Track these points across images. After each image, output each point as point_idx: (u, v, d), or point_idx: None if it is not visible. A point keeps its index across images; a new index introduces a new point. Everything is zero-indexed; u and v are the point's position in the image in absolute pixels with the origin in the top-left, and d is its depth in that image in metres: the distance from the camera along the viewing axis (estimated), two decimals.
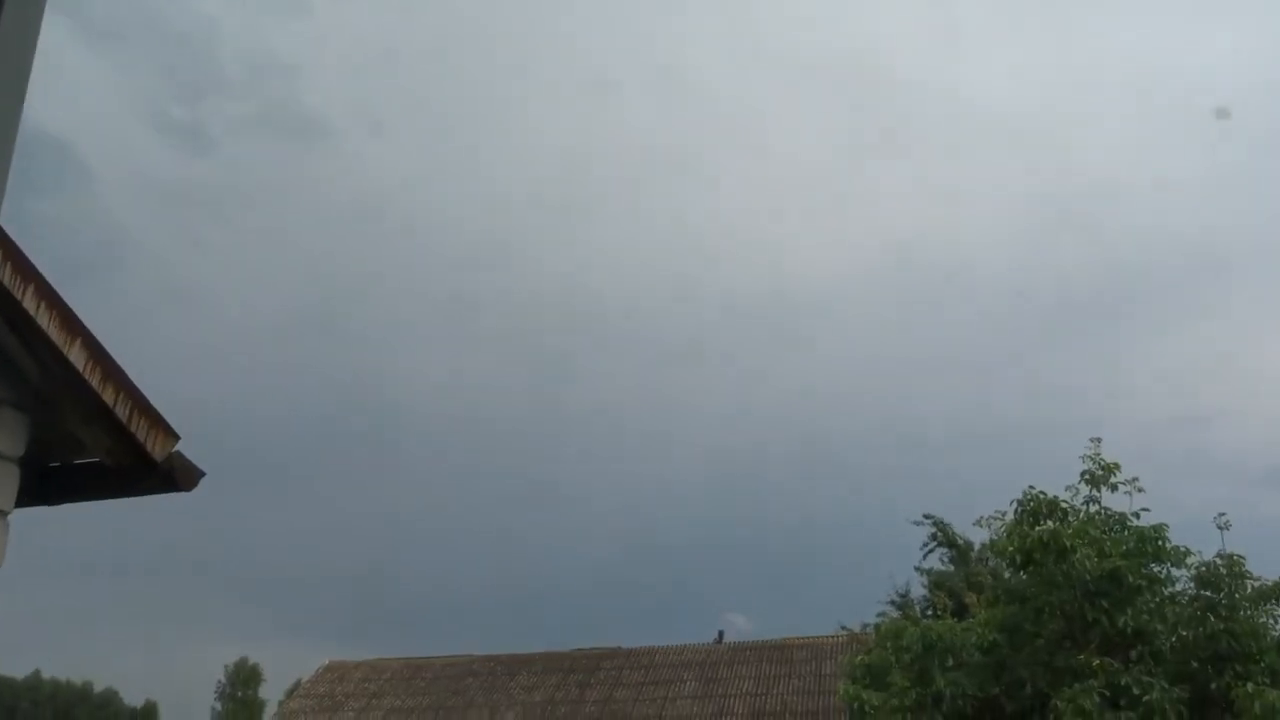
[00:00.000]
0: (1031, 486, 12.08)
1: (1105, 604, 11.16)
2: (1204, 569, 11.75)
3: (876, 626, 15.08)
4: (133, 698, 67.11)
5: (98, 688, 67.10)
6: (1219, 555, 11.67)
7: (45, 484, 4.70)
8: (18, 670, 63.14)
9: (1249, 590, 11.51)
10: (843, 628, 23.73)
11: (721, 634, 25.30)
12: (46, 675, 65.81)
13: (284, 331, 74.80)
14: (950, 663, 11.82)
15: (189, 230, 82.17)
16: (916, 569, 24.27)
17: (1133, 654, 11.02)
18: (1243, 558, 11.66)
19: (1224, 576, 11.56)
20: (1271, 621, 11.41)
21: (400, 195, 77.95)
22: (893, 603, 23.99)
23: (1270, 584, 11.58)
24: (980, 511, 13.05)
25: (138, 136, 78.03)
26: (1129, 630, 10.96)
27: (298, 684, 35.47)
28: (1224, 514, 11.77)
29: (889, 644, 12.59)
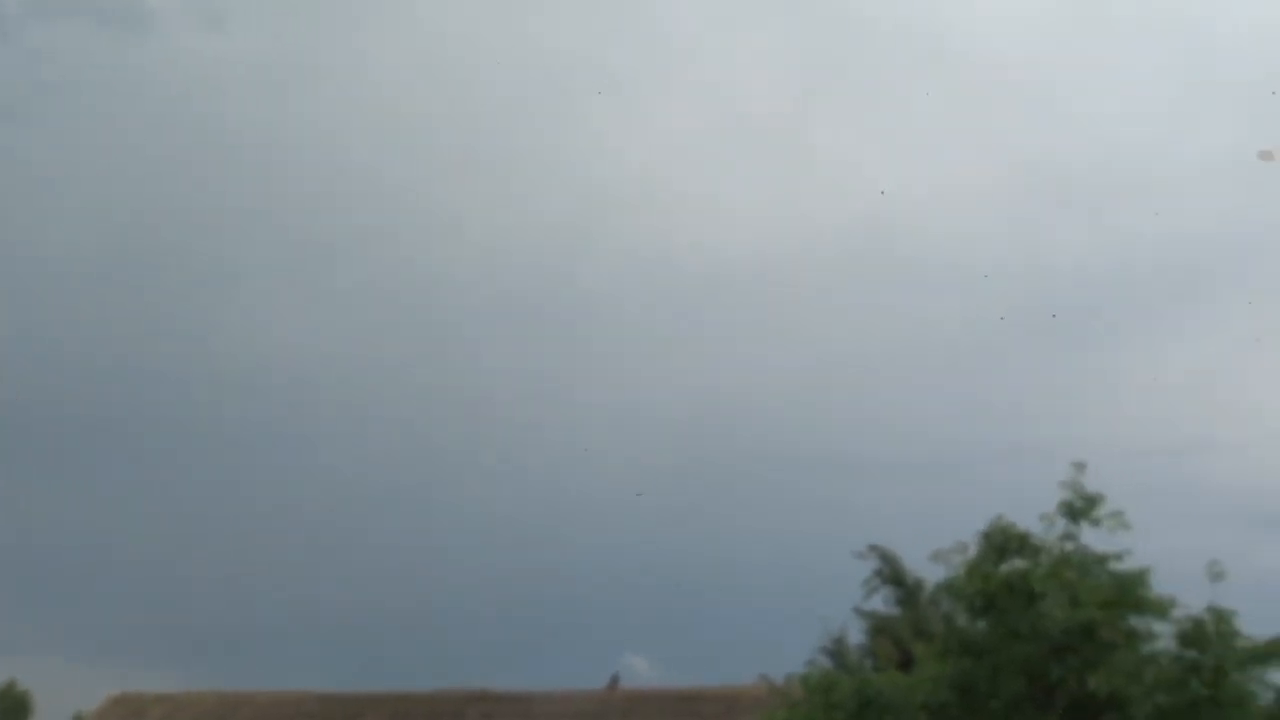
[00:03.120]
0: (1000, 516, 12.32)
1: (1075, 662, 11.42)
2: (1189, 624, 12.04)
3: (804, 677, 15.16)
4: None
5: None
6: (1208, 609, 11.98)
7: None
8: None
9: (1238, 651, 11.87)
10: (763, 677, 23.92)
11: (616, 678, 25.28)
12: None
13: (85, 272, 71.66)
14: None
15: None
16: (856, 611, 24.62)
17: None
18: (1234, 612, 12.01)
19: (1211, 634, 11.89)
20: (1263, 689, 11.77)
21: (247, 108, 75.38)
22: (825, 650, 24.26)
23: (1262, 644, 11.92)
24: (931, 545, 13.25)
25: None
26: (1101, 694, 11.24)
27: (76, 719, 34.65)
28: (1218, 561, 12.09)
29: (818, 699, 12.70)
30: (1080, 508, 12.22)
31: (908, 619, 22.26)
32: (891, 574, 23.88)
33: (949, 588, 12.53)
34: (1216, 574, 11.96)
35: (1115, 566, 12.14)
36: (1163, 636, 12.19)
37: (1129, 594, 11.90)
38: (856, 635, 24.49)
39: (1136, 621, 12.06)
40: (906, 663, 15.98)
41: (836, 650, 24.01)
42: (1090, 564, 12.15)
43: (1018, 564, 11.91)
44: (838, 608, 27.02)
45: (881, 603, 24.34)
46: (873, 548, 24.32)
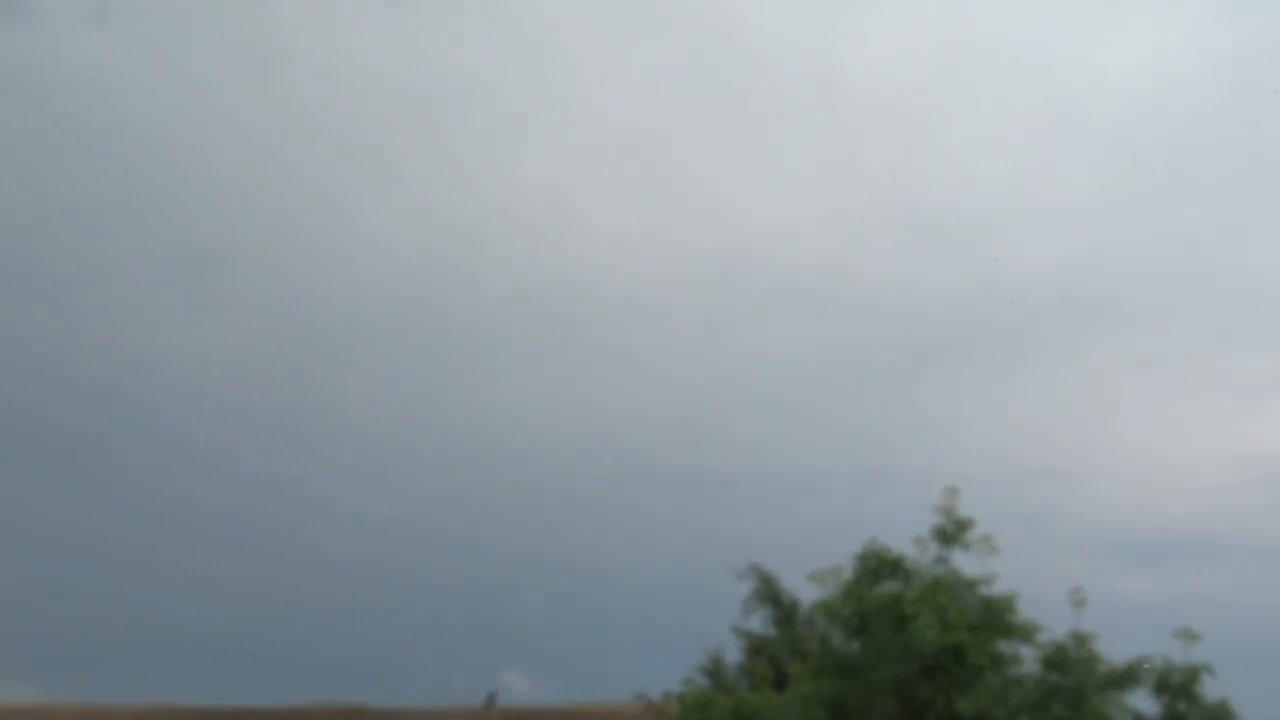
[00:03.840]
0: (873, 539, 12.57)
1: (945, 683, 11.69)
2: (1052, 649, 12.43)
3: (681, 696, 15.29)
4: None
5: None
6: (1070, 634, 12.39)
7: None
8: None
9: (1098, 675, 12.30)
10: (640, 695, 23.92)
11: (493, 696, 25.09)
12: None
13: None
14: None
15: None
16: (733, 630, 24.77)
17: None
18: (1095, 636, 12.43)
19: (1072, 659, 12.29)
20: (1120, 713, 12.19)
21: (127, 109, 73.04)
22: (703, 669, 24.36)
23: (1120, 669, 12.38)
24: (809, 566, 13.45)
25: None
26: (967, 715, 11.52)
27: None
28: (1080, 588, 12.53)
29: (695, 717, 12.80)
30: (952, 532, 12.53)
31: (784, 638, 22.44)
32: (769, 594, 24.05)
33: (824, 609, 12.74)
34: (1078, 600, 12.42)
35: (984, 591, 12.48)
36: (1027, 660, 12.58)
37: (997, 618, 12.24)
38: (734, 654, 24.64)
39: (1003, 645, 12.39)
40: (782, 682, 16.14)
41: (713, 669, 24.09)
42: (961, 588, 12.47)
43: (891, 586, 12.15)
44: (716, 627, 27.21)
45: (759, 622, 24.52)
46: (752, 567, 24.49)
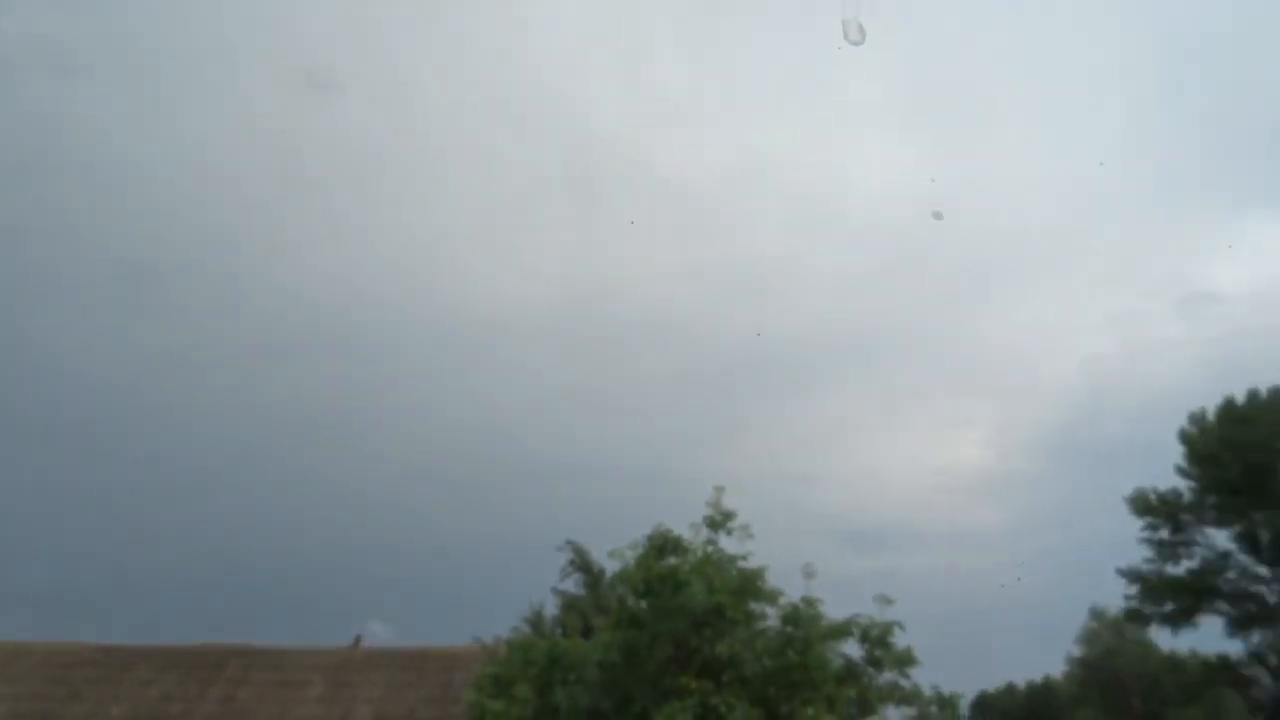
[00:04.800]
0: (661, 524, 13.00)
1: (708, 634, 12.20)
2: (789, 609, 13.10)
3: (509, 641, 15.38)
4: None
5: None
6: (802, 598, 13.08)
7: None
8: None
9: (821, 629, 12.99)
10: (477, 640, 23.90)
11: (359, 638, 24.59)
12: None
13: None
14: (572, 678, 12.36)
15: None
16: (553, 590, 25.03)
17: (725, 678, 12.09)
18: (820, 601, 13.15)
19: (803, 616, 12.96)
20: (835, 657, 12.90)
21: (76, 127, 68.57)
22: (527, 620, 24.52)
23: (837, 624, 13.11)
24: (618, 542, 13.81)
25: None
26: (724, 658, 12.04)
27: None
28: (811, 563, 13.27)
29: (518, 656, 12.93)
30: (719, 520, 13.03)
31: (591, 599, 22.81)
32: (582, 563, 24.41)
33: (621, 576, 13.03)
34: (809, 574, 13.11)
35: (742, 565, 13.00)
36: (771, 617, 13.15)
37: (750, 585, 12.79)
38: (552, 610, 24.90)
39: (754, 606, 12.94)
40: (589, 632, 16.45)
41: (535, 620, 24.29)
42: (724, 563, 12.95)
43: (672, 560, 12.56)
44: (539, 587, 27.46)
45: (573, 585, 24.84)
46: (569, 542, 24.85)
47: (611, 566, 14.01)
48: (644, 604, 12.77)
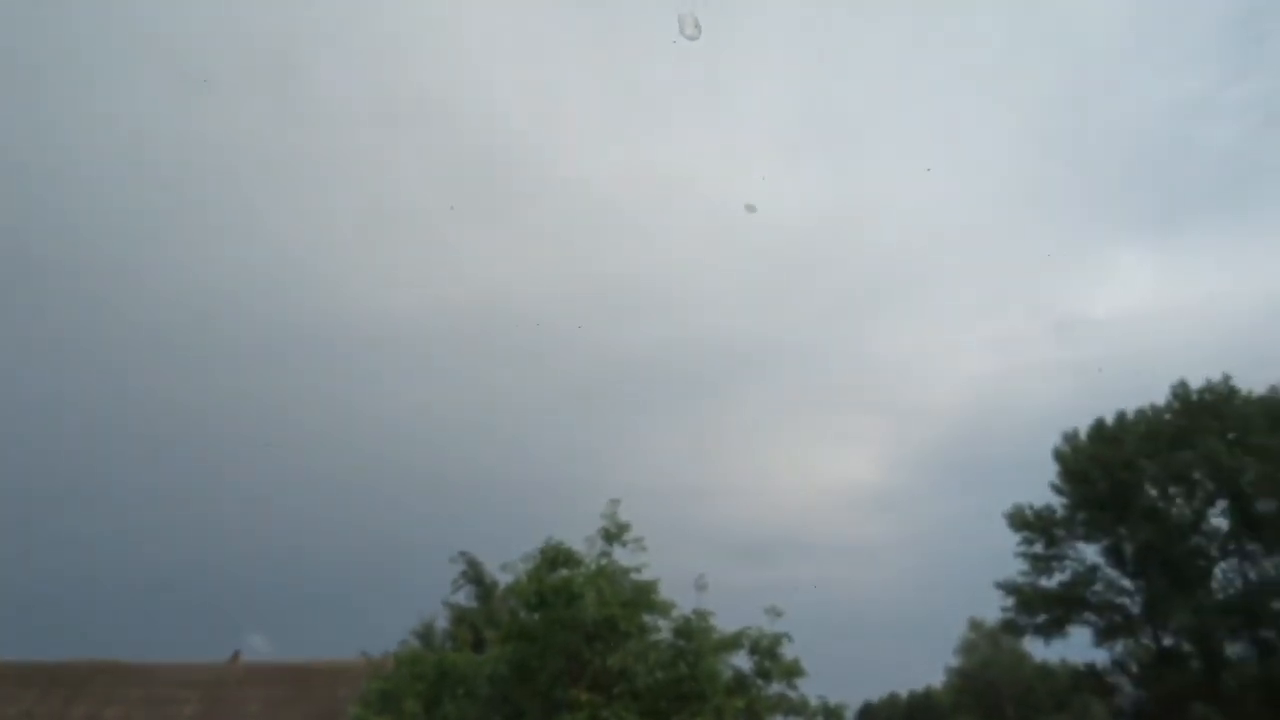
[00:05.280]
0: (551, 537, 12.90)
1: (600, 646, 12.15)
2: (681, 621, 13.15)
3: (396, 654, 15.02)
4: None
5: None
6: (694, 611, 13.15)
7: None
8: None
9: (712, 641, 13.08)
10: (363, 654, 23.28)
11: (238, 653, 23.66)
12: None
13: None
14: (461, 692, 12.14)
15: None
16: (444, 603, 24.59)
17: (616, 690, 12.05)
18: (712, 613, 13.24)
19: (695, 629, 13.03)
20: (725, 668, 13.01)
21: None
22: (416, 634, 24.03)
23: (728, 637, 13.23)
24: (513, 554, 13.64)
25: None
26: (616, 670, 12.01)
27: None
28: (703, 575, 13.35)
29: (405, 671, 12.64)
30: (614, 533, 13.00)
31: (483, 611, 22.49)
32: (474, 575, 24.06)
33: (514, 589, 12.88)
34: (701, 586, 13.18)
35: (635, 577, 13.00)
36: (664, 629, 13.16)
37: (643, 598, 12.80)
38: (443, 623, 24.45)
39: (647, 618, 12.94)
40: (480, 645, 16.18)
41: (425, 634, 23.82)
42: (618, 575, 12.93)
43: (565, 572, 12.46)
44: (430, 600, 26.94)
45: (465, 597, 24.46)
46: (462, 554, 24.44)
47: (504, 579, 13.85)
48: (536, 617, 12.65)
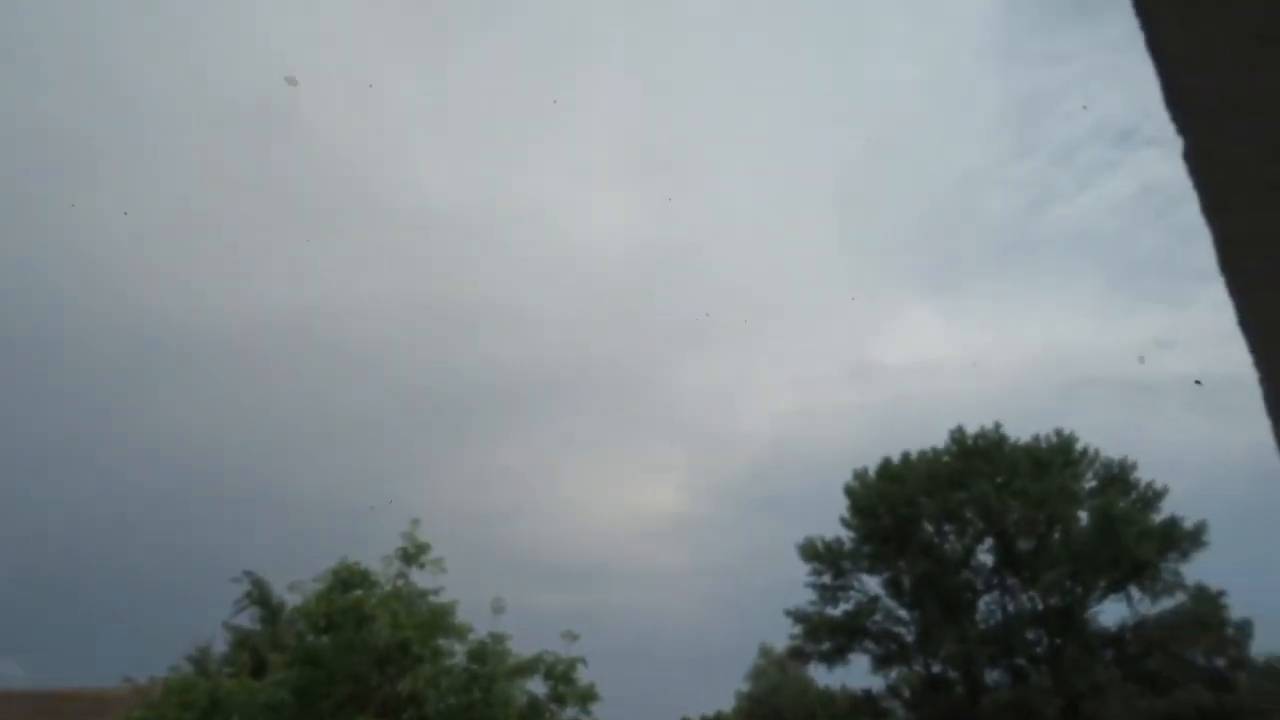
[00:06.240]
0: (346, 557, 12.40)
1: (392, 671, 11.74)
2: (476, 645, 12.90)
3: (166, 680, 13.95)
4: None
5: None
6: (490, 634, 12.93)
7: None
8: None
9: (507, 666, 12.89)
10: (128, 680, 21.48)
11: None
12: None
13: None
14: None
15: None
16: (225, 625, 23.08)
17: (405, 717, 11.67)
18: (508, 637, 13.06)
19: (490, 653, 12.80)
20: (519, 694, 12.83)
21: None
22: (191, 658, 22.42)
23: (524, 661, 13.07)
24: (302, 575, 12.99)
25: None
26: (405, 695, 11.63)
27: None
28: (500, 598, 13.16)
29: (174, 699, 11.76)
30: (413, 553, 12.65)
31: (268, 634, 21.23)
32: (260, 596, 22.71)
33: (302, 611, 12.29)
34: (498, 608, 12.98)
35: (433, 600, 12.68)
36: (460, 653, 12.87)
37: (440, 620, 12.48)
38: (222, 646, 22.95)
39: (443, 642, 12.62)
40: (261, 670, 15.26)
41: (201, 658, 22.27)
42: (415, 597, 12.58)
43: (358, 594, 11.99)
44: (211, 622, 25.25)
45: (248, 619, 23.05)
46: (247, 573, 23.05)
47: (293, 600, 13.19)
48: (325, 640, 12.11)
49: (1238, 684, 41.51)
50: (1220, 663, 42.47)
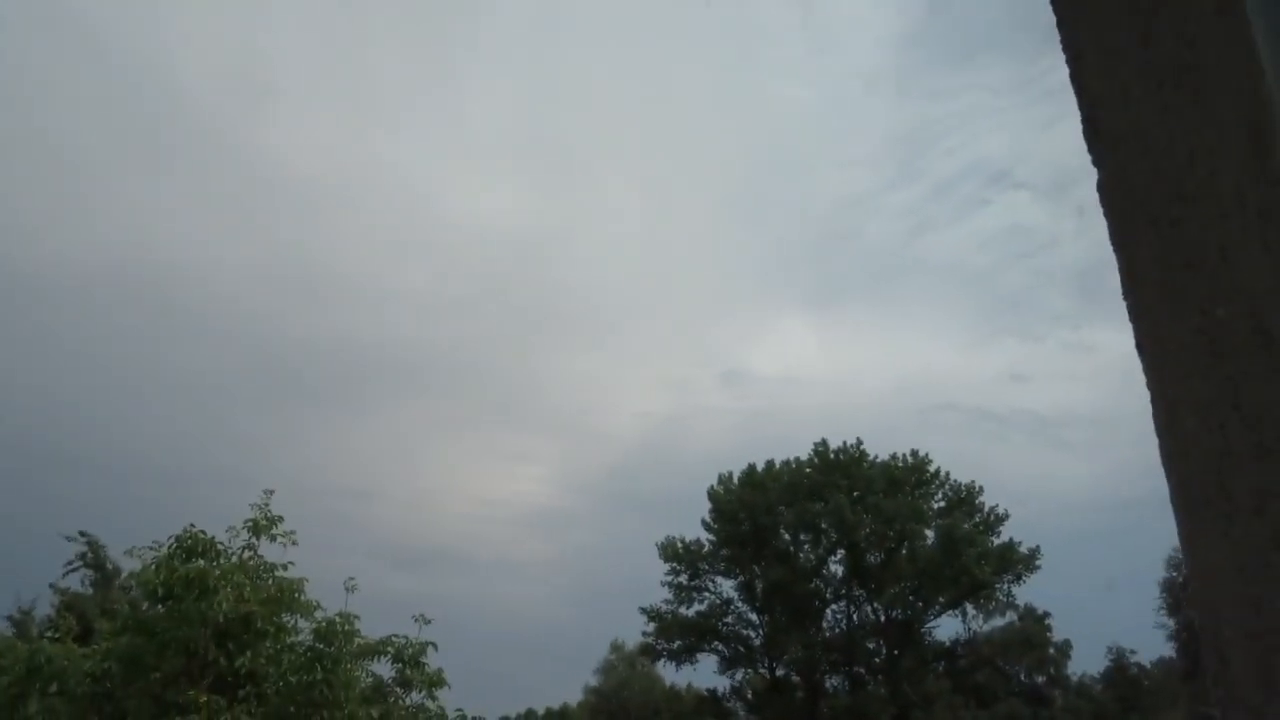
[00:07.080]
0: (192, 525, 11.84)
1: (230, 645, 11.27)
2: (323, 624, 12.50)
3: None
4: None
5: None
6: (338, 614, 12.55)
7: None
8: None
9: (355, 647, 12.55)
10: None
11: None
12: None
13: None
14: (54, 689, 10.73)
15: None
16: (52, 586, 21.70)
17: (241, 694, 11.22)
18: (356, 617, 12.69)
19: (337, 632, 12.42)
20: (365, 675, 12.53)
21: None
22: (10, 619, 21.00)
23: (372, 643, 12.77)
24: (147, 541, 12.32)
25: None
26: (243, 671, 11.18)
27: None
28: (352, 578, 12.80)
29: None
30: (264, 525, 12.20)
31: (98, 599, 20.09)
32: (95, 559, 21.45)
33: (137, 577, 11.67)
34: (349, 587, 12.63)
35: (281, 574, 12.24)
36: (305, 631, 12.45)
37: (286, 596, 12.06)
38: (47, 608, 21.56)
39: (288, 618, 12.19)
40: (87, 636, 14.40)
41: (22, 621, 20.88)
42: (262, 570, 12.12)
43: (201, 564, 11.46)
44: (34, 584, 23.66)
45: (79, 583, 21.74)
46: (82, 534, 21.73)
47: (130, 565, 12.51)
48: (161, 609, 11.51)
49: (1054, 700, 44.24)
50: (1040, 679, 45.22)
